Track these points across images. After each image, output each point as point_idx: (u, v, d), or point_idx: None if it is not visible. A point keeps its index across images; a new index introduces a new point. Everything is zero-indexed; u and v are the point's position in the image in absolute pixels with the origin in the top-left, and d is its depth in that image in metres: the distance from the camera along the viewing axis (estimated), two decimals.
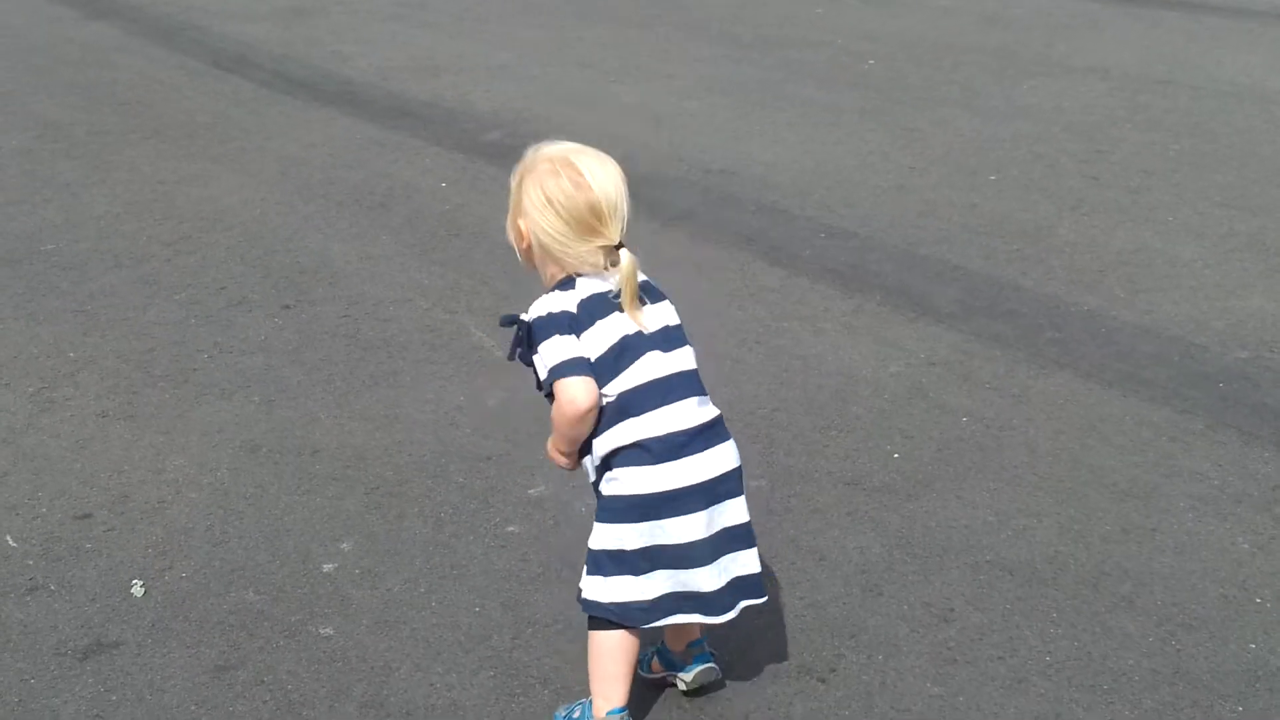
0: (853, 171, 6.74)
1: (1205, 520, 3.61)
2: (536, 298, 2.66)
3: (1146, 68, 8.91)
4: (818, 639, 3.14)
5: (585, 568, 2.69)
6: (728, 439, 2.68)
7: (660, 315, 2.66)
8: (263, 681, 3.02)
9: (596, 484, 2.70)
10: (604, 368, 2.57)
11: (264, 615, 3.25)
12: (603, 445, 2.62)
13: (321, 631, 3.19)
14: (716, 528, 2.65)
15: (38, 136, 7.53)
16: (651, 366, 2.59)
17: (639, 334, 2.60)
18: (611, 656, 2.71)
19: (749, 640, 3.11)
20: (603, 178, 2.55)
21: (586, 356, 2.56)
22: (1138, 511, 3.66)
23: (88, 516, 3.70)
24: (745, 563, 2.71)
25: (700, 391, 2.66)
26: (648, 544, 2.61)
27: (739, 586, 2.71)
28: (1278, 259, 5.48)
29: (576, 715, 2.79)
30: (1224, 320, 4.87)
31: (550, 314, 2.58)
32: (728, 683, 2.97)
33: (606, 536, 2.64)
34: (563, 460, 2.75)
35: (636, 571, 2.63)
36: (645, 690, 2.94)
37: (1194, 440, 4.04)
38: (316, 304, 5.13)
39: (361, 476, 3.89)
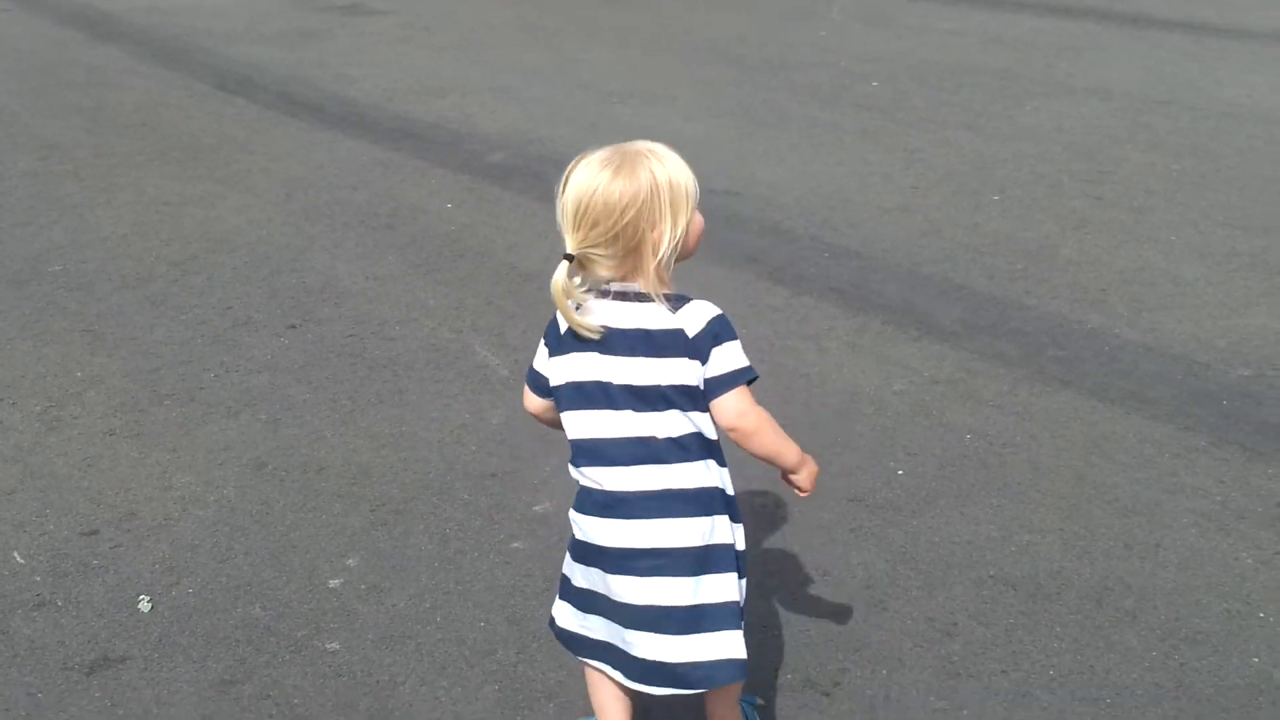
0: (856, 192, 6.76)
1: (1208, 536, 3.62)
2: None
3: (1148, 88, 8.94)
4: (822, 653, 3.15)
5: None
6: (671, 516, 2.41)
7: (653, 371, 2.38)
8: (269, 696, 3.03)
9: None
10: (559, 399, 2.49)
11: (270, 630, 3.26)
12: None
13: (327, 646, 3.20)
14: (643, 601, 2.42)
15: (44, 158, 7.57)
16: (597, 423, 2.43)
17: (599, 384, 2.41)
18: (590, 681, 2.71)
19: (753, 654, 3.09)
20: (581, 180, 2.37)
21: (546, 378, 2.50)
22: (1141, 527, 3.67)
23: (95, 533, 3.71)
24: (663, 650, 2.44)
25: (660, 459, 2.40)
26: (582, 584, 2.54)
27: (662, 671, 2.46)
28: None
29: None
30: (1227, 338, 4.88)
31: (552, 321, 2.50)
32: None
33: (567, 560, 2.58)
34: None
35: (574, 603, 2.59)
36: (650, 701, 2.95)
37: (1197, 457, 4.05)
38: (322, 323, 5.15)
39: (367, 493, 3.90)
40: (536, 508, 3.80)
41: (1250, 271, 5.57)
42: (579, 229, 2.35)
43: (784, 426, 2.55)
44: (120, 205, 6.68)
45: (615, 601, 2.47)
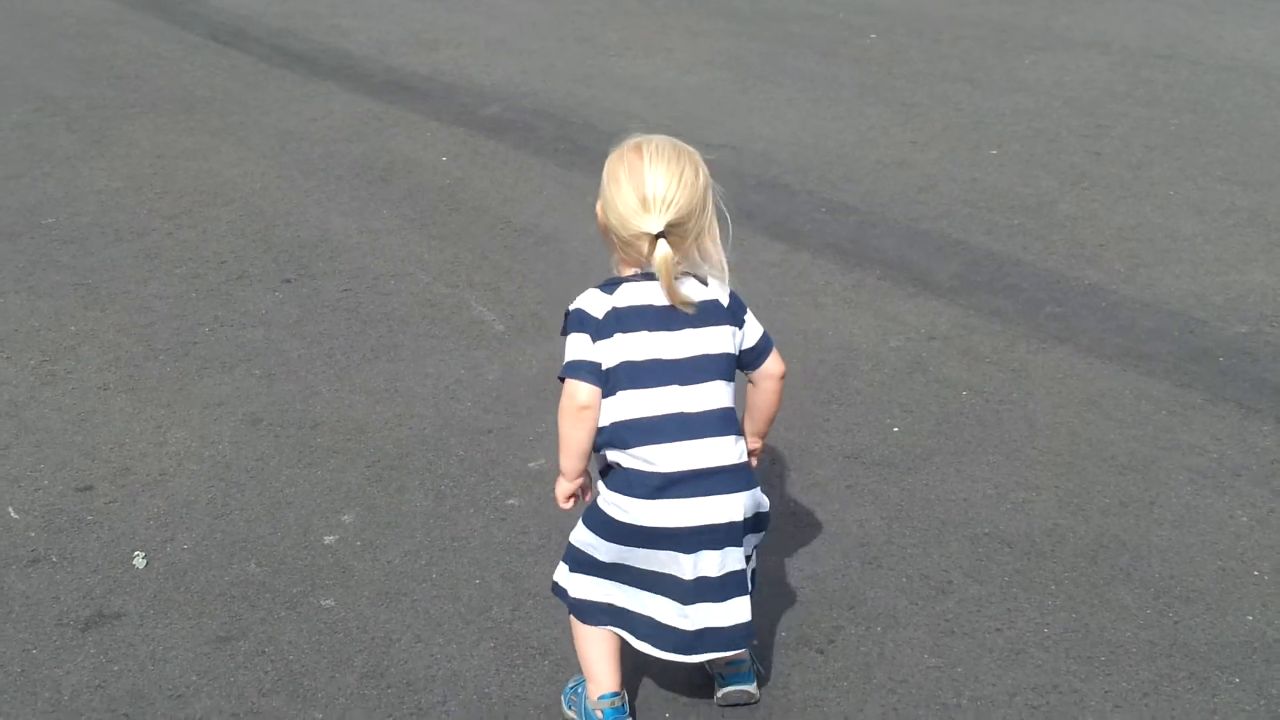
0: (853, 146, 6.73)
1: (1204, 493, 3.62)
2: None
3: (1147, 42, 8.89)
4: (816, 611, 3.15)
5: (565, 550, 2.71)
6: (738, 490, 2.54)
7: (702, 340, 2.56)
8: (264, 652, 3.03)
9: (597, 479, 2.66)
10: (609, 381, 2.53)
11: (265, 587, 3.26)
12: (600, 458, 2.60)
13: (323, 603, 3.20)
14: (698, 574, 2.54)
15: (36, 110, 7.52)
16: (660, 400, 2.52)
17: (657, 361, 2.52)
18: (592, 641, 2.71)
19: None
20: (659, 168, 2.49)
21: (598, 362, 2.53)
22: (1136, 485, 3.67)
23: (89, 489, 3.71)
24: (724, 614, 2.58)
25: (716, 432, 2.54)
26: (619, 562, 2.59)
27: (711, 636, 2.60)
28: (1278, 234, 5.47)
29: (581, 691, 2.80)
30: (1224, 295, 4.87)
31: (582, 311, 2.56)
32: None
33: (584, 537, 2.63)
34: (566, 488, 2.68)
35: (603, 576, 2.63)
36: (639, 664, 2.95)
37: (1193, 414, 4.05)
38: (317, 278, 5.13)
39: (362, 450, 3.90)
40: (532, 464, 3.80)
41: (1248, 227, 5.55)
42: (669, 209, 2.49)
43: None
44: (113, 158, 6.64)
45: (698, 580, 2.54)
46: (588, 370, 2.53)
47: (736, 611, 2.59)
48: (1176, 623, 3.09)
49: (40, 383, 4.32)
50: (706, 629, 2.59)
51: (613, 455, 2.55)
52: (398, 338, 4.61)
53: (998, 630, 3.08)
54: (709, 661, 2.80)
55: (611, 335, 2.53)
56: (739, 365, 2.65)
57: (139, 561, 3.36)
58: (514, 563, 3.35)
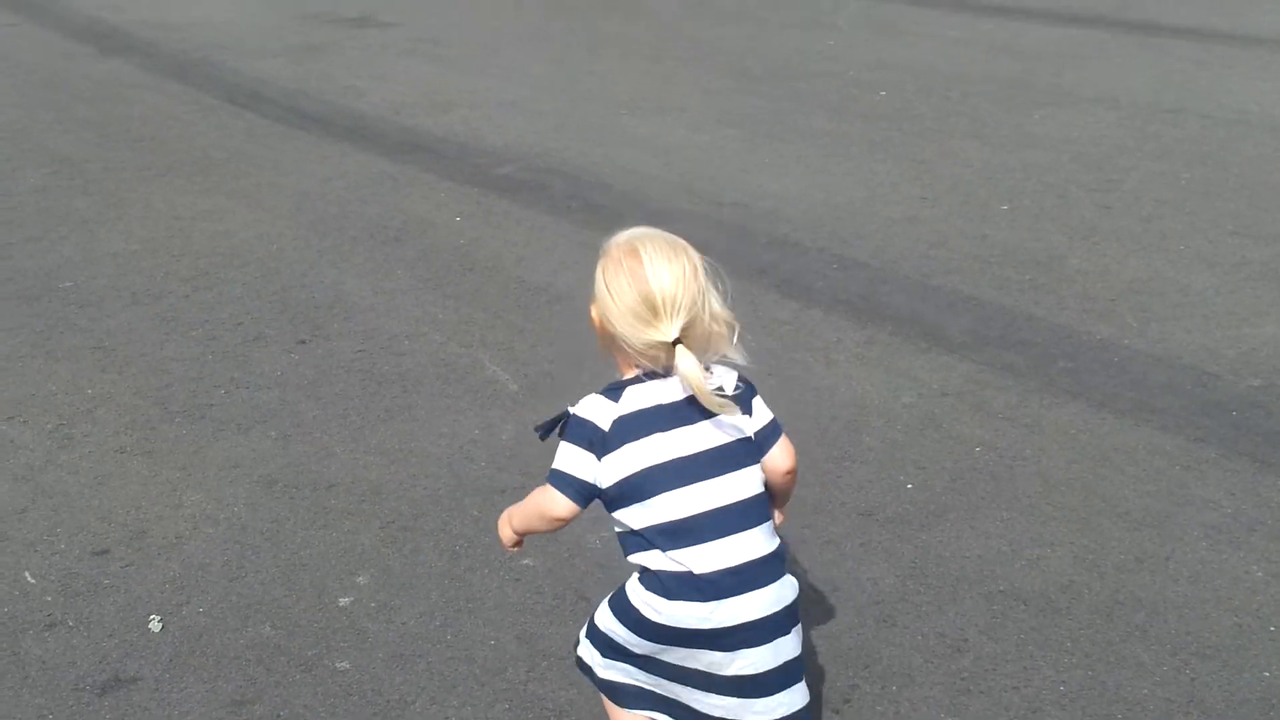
0: (864, 203, 6.76)
1: (1219, 549, 3.62)
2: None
3: (1156, 96, 8.94)
4: (832, 670, 3.15)
5: (586, 625, 2.63)
6: (774, 580, 2.47)
7: (719, 431, 2.47)
8: (279, 716, 3.03)
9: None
10: (628, 492, 2.44)
11: (280, 650, 3.27)
12: (634, 559, 2.50)
13: (337, 665, 3.20)
14: (737, 672, 2.47)
15: (53, 173, 7.59)
16: (690, 499, 2.42)
17: (679, 459, 2.43)
18: (620, 715, 2.67)
19: None
20: (662, 270, 2.39)
21: (592, 483, 2.45)
22: (1151, 540, 3.66)
23: (105, 552, 3.72)
24: (764, 708, 2.51)
25: (750, 524, 2.46)
26: (653, 656, 2.51)
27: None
28: None
29: None
30: (1236, 349, 4.88)
31: (586, 421, 2.46)
32: None
33: (615, 629, 2.53)
34: (508, 535, 2.68)
35: (635, 665, 2.55)
36: None
37: (1207, 469, 4.04)
38: (332, 339, 5.16)
39: (377, 510, 3.91)
40: None
41: (1260, 281, 5.56)
42: (677, 315, 2.39)
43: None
44: (130, 220, 6.70)
45: (724, 675, 2.46)
46: (576, 489, 2.46)
47: (794, 699, 2.53)
48: (1193, 680, 3.08)
49: (57, 446, 4.35)
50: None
51: (644, 559, 2.46)
52: (412, 398, 4.63)
53: (1014, 689, 3.07)
54: None
55: (620, 447, 2.43)
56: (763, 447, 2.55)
57: (155, 625, 3.37)
58: (529, 623, 3.35)
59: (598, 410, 2.46)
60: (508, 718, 3.01)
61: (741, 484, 2.47)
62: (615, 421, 2.44)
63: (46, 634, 3.35)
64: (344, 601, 3.46)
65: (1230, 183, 6.96)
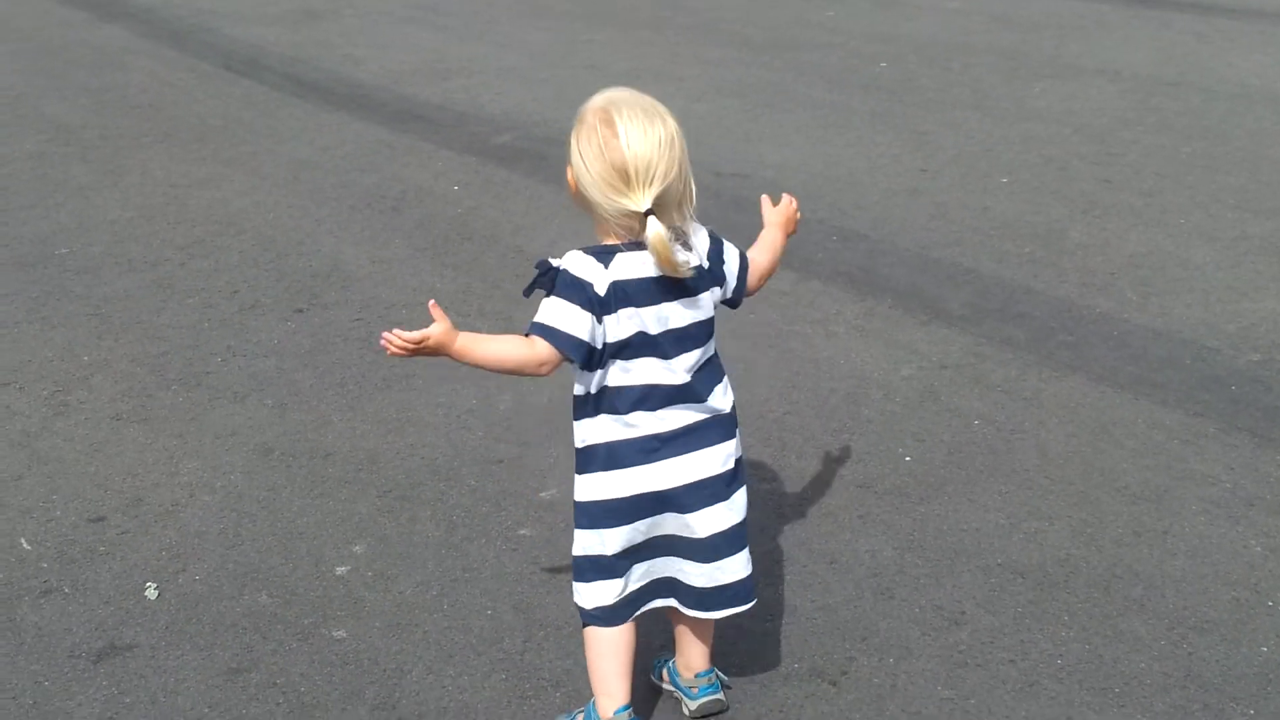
0: (864, 174, 6.74)
1: (1217, 523, 3.61)
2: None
3: (1157, 69, 8.90)
4: (829, 642, 3.14)
5: (573, 572, 2.71)
6: (714, 444, 2.61)
7: (690, 310, 2.53)
8: (275, 684, 3.03)
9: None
10: (613, 353, 2.49)
11: (277, 618, 3.26)
12: (581, 433, 2.60)
13: (334, 634, 3.20)
14: (706, 532, 2.62)
15: (50, 140, 7.56)
16: (653, 370, 2.52)
17: (663, 332, 2.50)
18: (606, 654, 2.71)
19: (760, 643, 3.12)
20: (637, 138, 2.38)
21: (588, 343, 2.46)
22: (1149, 514, 3.65)
23: (101, 520, 3.71)
24: (727, 570, 2.67)
25: (704, 394, 2.58)
26: (628, 545, 2.61)
27: (724, 592, 2.70)
28: None
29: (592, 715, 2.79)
30: (1236, 323, 4.87)
31: (581, 280, 2.45)
32: (739, 685, 2.97)
33: (585, 542, 2.64)
34: (398, 344, 2.66)
35: (616, 573, 2.64)
36: (651, 691, 2.96)
37: (1206, 443, 4.04)
38: (329, 307, 5.15)
39: (374, 480, 3.90)
40: (543, 494, 3.80)
41: (1260, 255, 5.54)
42: (652, 183, 2.39)
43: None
44: (127, 187, 6.67)
45: (685, 538, 2.63)
46: (567, 343, 2.46)
47: (737, 567, 2.68)
48: (1190, 654, 3.08)
49: (53, 413, 4.33)
50: (721, 585, 2.68)
51: (592, 426, 2.56)
52: (409, 367, 4.61)
53: (1011, 662, 3.06)
54: (680, 678, 2.89)
55: (617, 311, 2.46)
56: (741, 296, 2.70)
57: (151, 593, 3.36)
58: (526, 593, 3.34)
59: (591, 271, 2.46)
60: (504, 687, 3.00)
61: (699, 359, 2.57)
62: (610, 285, 2.45)
63: (42, 601, 3.35)
64: (341, 570, 3.46)
65: (1231, 157, 6.93)
